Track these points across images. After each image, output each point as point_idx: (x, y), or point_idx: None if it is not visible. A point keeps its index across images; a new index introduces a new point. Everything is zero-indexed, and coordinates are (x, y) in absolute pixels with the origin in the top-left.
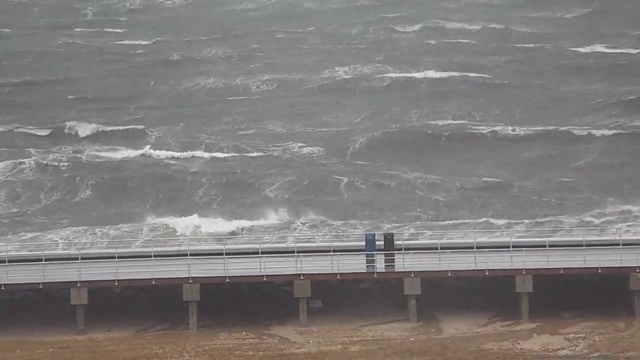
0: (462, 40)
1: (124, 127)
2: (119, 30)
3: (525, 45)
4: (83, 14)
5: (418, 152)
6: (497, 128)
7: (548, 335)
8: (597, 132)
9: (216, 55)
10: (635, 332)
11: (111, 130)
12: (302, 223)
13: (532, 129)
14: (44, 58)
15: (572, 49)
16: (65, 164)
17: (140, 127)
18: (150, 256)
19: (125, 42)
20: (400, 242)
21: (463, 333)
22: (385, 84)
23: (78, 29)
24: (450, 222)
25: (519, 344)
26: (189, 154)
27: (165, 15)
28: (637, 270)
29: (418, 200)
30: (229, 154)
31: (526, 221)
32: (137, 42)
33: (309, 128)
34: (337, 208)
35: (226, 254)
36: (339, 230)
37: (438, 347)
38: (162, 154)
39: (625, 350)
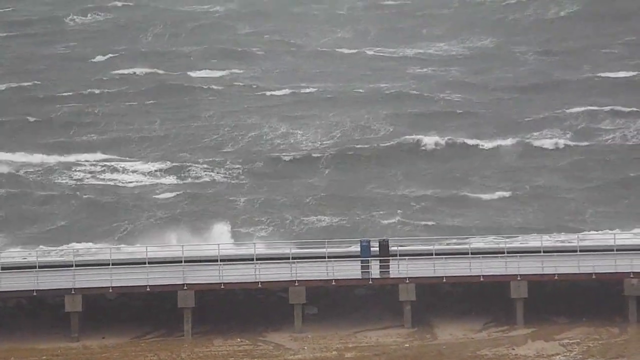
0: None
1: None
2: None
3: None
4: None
5: (394, 163)
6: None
7: (543, 340)
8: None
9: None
10: (629, 338)
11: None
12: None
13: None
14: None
15: None
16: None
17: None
18: (145, 263)
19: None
20: (395, 248)
21: (458, 339)
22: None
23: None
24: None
25: (513, 349)
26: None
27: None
28: (631, 276)
29: (400, 210)
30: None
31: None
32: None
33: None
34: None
35: (221, 260)
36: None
37: (433, 353)
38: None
39: (619, 355)
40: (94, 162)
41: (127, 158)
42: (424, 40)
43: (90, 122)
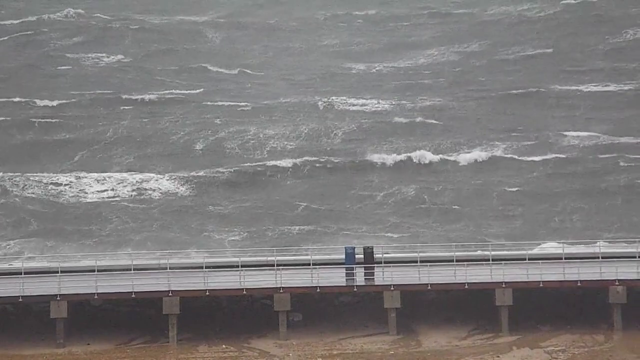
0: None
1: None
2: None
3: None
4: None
5: (361, 175)
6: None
7: (528, 348)
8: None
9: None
10: (614, 346)
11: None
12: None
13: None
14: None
15: None
16: None
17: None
18: (130, 269)
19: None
20: (380, 256)
21: (443, 346)
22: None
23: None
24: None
25: (498, 357)
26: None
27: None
28: (616, 283)
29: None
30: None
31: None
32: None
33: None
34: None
35: (206, 267)
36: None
37: None
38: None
39: None
40: (63, 171)
41: (97, 168)
42: (405, 50)
43: (57, 130)
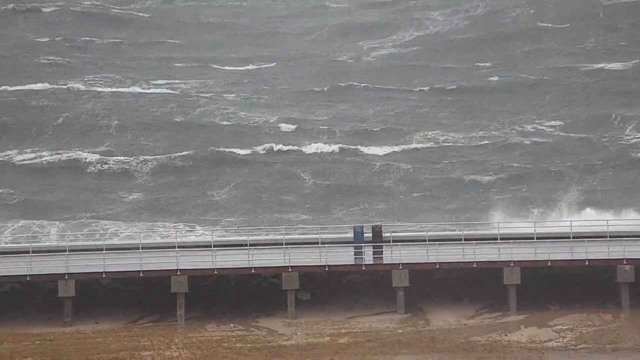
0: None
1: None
2: None
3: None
4: None
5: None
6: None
7: (536, 327)
8: None
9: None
10: (622, 325)
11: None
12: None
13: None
14: None
15: None
16: None
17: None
18: (139, 248)
19: None
20: (389, 234)
21: (451, 325)
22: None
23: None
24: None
25: (506, 335)
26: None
27: None
28: (625, 262)
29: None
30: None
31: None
32: None
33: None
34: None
35: (214, 246)
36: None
37: (426, 339)
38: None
39: (612, 342)
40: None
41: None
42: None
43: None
